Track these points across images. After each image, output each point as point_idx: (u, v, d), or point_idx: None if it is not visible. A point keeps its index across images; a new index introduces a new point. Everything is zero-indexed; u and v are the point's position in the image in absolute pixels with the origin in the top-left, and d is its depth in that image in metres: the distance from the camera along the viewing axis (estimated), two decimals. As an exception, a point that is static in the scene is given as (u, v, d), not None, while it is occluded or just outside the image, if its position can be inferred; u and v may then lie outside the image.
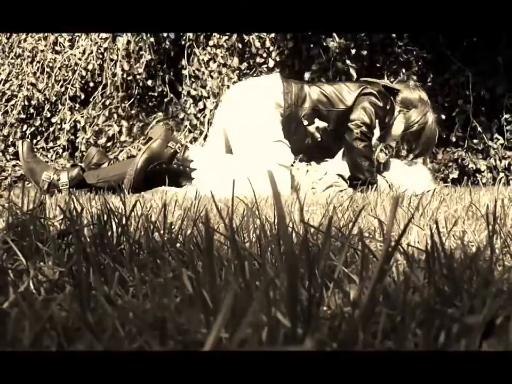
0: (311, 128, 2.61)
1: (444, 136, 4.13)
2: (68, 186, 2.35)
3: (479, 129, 3.94)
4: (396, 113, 2.68)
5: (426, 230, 0.84)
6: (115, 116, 4.45)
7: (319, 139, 2.62)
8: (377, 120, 2.59)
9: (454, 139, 4.01)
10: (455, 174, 3.90)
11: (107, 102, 4.52)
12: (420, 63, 4.13)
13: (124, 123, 4.42)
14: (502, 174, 3.85)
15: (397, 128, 2.70)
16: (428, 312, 0.35)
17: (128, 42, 4.45)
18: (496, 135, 4.00)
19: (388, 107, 2.62)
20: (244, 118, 2.47)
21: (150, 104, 4.63)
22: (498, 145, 3.94)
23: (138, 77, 4.48)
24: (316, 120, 2.59)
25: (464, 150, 3.94)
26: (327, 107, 2.56)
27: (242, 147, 2.46)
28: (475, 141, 3.95)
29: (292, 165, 2.55)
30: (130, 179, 2.33)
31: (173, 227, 0.80)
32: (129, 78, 4.46)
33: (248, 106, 2.49)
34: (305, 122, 2.59)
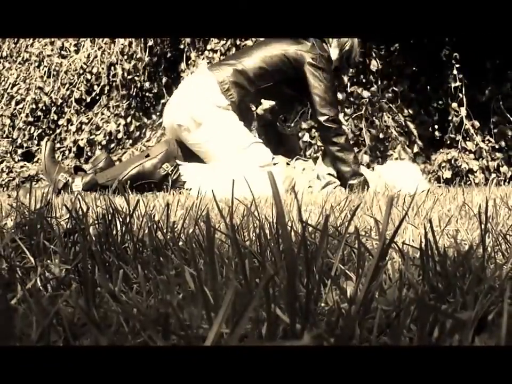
0: (259, 111, 2.56)
1: (438, 137, 4.13)
2: (81, 189, 2.36)
3: (472, 131, 3.94)
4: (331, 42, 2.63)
5: (420, 228, 0.84)
6: (119, 118, 4.45)
7: (270, 118, 2.58)
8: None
9: (448, 141, 4.01)
10: (448, 174, 3.90)
11: (109, 104, 4.52)
12: (413, 67, 4.13)
13: (122, 122, 4.41)
14: (493, 175, 3.86)
15: (334, 54, 2.64)
16: (422, 308, 0.35)
17: (129, 44, 4.45)
18: (488, 137, 4.00)
19: (329, 59, 2.56)
20: (206, 135, 2.42)
21: (148, 105, 4.62)
22: (489, 147, 3.95)
23: (136, 79, 4.48)
24: (262, 101, 2.55)
25: (457, 151, 3.94)
26: (268, 81, 2.48)
27: (221, 160, 2.42)
28: (468, 142, 3.95)
29: (275, 163, 2.54)
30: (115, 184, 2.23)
31: (175, 226, 0.80)
32: (128, 79, 4.46)
33: (206, 122, 2.42)
34: (253, 108, 2.54)
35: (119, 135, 4.42)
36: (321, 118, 2.50)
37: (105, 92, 4.56)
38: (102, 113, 4.51)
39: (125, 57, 4.48)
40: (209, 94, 2.45)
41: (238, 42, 4.17)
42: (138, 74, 4.48)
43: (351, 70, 3.96)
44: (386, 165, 2.88)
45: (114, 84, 4.49)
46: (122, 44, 4.48)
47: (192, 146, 2.51)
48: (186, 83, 2.67)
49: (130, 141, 4.43)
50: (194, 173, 2.40)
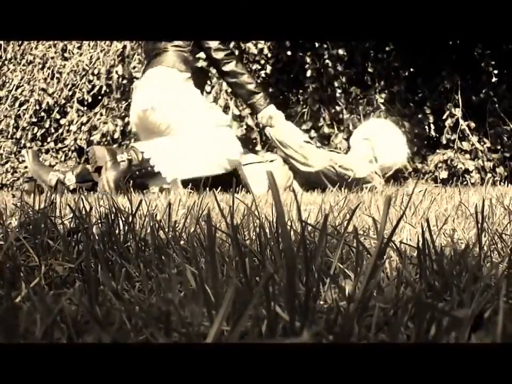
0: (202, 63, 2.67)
1: (435, 138, 4.12)
2: (74, 182, 2.35)
3: (468, 131, 3.94)
4: None
5: (417, 228, 0.84)
6: (117, 120, 4.44)
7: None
8: None
9: (444, 141, 4.01)
10: (444, 175, 3.89)
11: (110, 105, 4.52)
12: (410, 69, 4.13)
13: (120, 122, 4.40)
14: (489, 175, 3.85)
15: None
16: (420, 306, 0.35)
17: (124, 47, 4.44)
18: (483, 138, 4.00)
19: None
20: (169, 111, 2.43)
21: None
22: (485, 148, 3.94)
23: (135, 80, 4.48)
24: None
25: (454, 152, 3.93)
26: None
27: (180, 130, 2.42)
28: (464, 143, 3.94)
29: (272, 160, 2.53)
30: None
31: (177, 225, 0.80)
32: (125, 81, 4.45)
33: (168, 100, 2.43)
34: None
35: (118, 135, 4.41)
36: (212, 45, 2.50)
37: (105, 92, 4.55)
38: (101, 114, 4.50)
39: (125, 58, 4.47)
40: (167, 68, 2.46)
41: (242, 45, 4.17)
42: (138, 77, 4.47)
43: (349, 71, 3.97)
44: (358, 133, 2.79)
45: (113, 85, 4.48)
46: (121, 46, 4.47)
47: (159, 126, 2.47)
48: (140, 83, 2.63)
49: (131, 141, 4.42)
50: (155, 149, 2.37)
